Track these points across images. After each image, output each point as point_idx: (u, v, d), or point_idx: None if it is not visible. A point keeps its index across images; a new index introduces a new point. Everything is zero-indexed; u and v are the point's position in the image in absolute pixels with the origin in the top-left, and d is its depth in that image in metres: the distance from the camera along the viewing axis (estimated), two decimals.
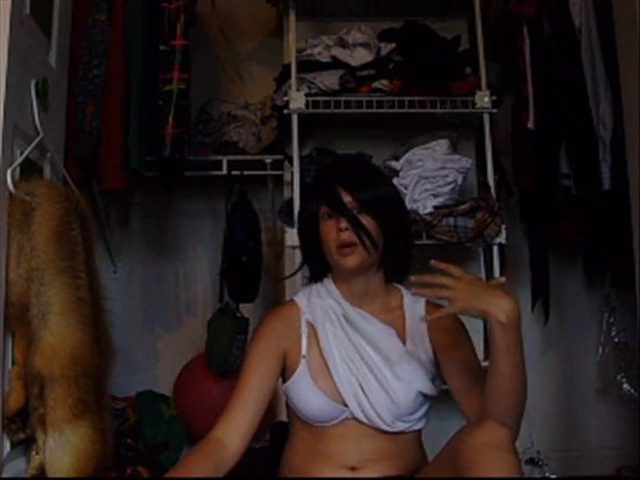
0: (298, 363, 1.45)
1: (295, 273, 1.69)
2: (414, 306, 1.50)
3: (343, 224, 1.42)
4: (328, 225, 1.45)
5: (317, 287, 1.54)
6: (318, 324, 1.48)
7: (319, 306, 1.49)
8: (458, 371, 1.40)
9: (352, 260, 1.42)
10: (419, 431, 1.48)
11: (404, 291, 1.53)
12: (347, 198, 1.43)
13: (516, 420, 1.28)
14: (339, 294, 1.49)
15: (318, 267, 1.54)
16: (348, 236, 1.42)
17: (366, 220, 1.42)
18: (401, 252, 1.51)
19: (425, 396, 1.43)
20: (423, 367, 1.44)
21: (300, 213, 1.57)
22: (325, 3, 2.52)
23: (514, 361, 1.25)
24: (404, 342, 1.46)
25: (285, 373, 1.48)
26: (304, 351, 1.46)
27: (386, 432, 1.42)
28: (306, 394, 1.43)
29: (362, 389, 1.41)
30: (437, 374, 1.46)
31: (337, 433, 1.43)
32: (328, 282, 1.52)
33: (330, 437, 1.43)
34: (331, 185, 1.46)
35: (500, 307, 1.23)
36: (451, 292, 1.26)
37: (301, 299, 1.53)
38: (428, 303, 1.51)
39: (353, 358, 1.43)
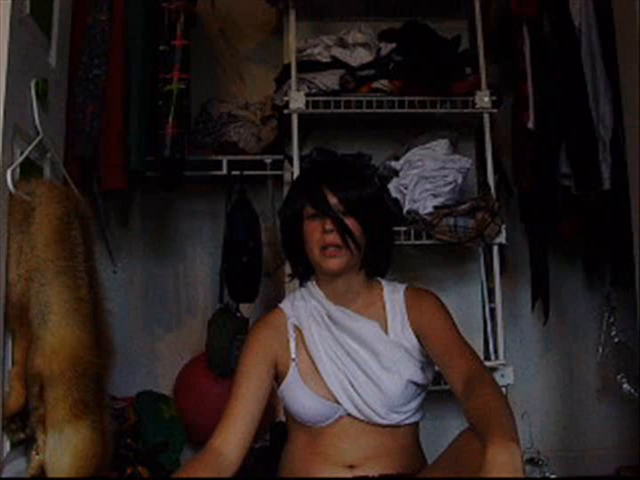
0: (289, 367, 1.48)
1: (277, 268, 1.70)
2: (393, 296, 1.52)
3: (329, 226, 1.43)
4: (312, 225, 1.46)
5: (301, 291, 1.57)
6: (304, 326, 1.50)
7: (303, 309, 1.52)
8: (441, 349, 1.41)
9: (335, 262, 1.44)
10: (416, 426, 1.49)
11: (383, 282, 1.56)
12: (333, 200, 1.45)
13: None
14: (322, 295, 1.51)
15: (300, 265, 1.56)
16: (333, 238, 1.43)
17: (351, 222, 1.44)
18: (383, 252, 1.54)
19: (417, 385, 1.44)
20: (409, 355, 1.45)
21: (283, 211, 1.58)
22: (325, 3, 2.52)
23: None
24: (387, 333, 1.47)
25: (278, 378, 1.50)
26: (293, 354, 1.49)
27: (382, 427, 1.43)
28: (299, 396, 1.45)
29: (351, 384, 1.43)
30: (427, 362, 1.47)
31: (334, 432, 1.44)
32: (311, 284, 1.55)
33: (327, 436, 1.44)
34: (317, 185, 1.47)
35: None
36: None
37: (286, 304, 1.56)
38: (408, 289, 1.54)
39: (339, 355, 1.46)
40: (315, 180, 1.50)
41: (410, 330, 1.48)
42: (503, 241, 2.22)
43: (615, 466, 2.60)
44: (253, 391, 1.44)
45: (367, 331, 1.47)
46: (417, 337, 1.47)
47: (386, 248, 1.55)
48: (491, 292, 2.34)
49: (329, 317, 1.49)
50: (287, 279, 1.68)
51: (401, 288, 1.54)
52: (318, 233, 1.44)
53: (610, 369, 2.70)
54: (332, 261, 1.44)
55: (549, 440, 2.69)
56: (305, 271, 1.57)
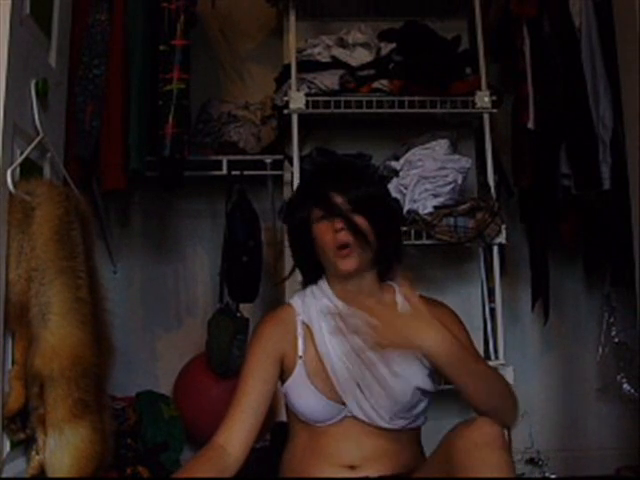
0: (295, 364, 1.46)
1: (289, 277, 1.69)
2: (406, 302, 1.50)
3: (339, 225, 1.43)
4: (323, 227, 1.45)
5: (312, 288, 1.55)
6: (313, 324, 1.49)
7: (314, 306, 1.51)
8: None
9: (350, 263, 1.43)
10: (418, 429, 1.49)
11: (397, 288, 1.54)
12: (339, 199, 1.44)
13: (508, 407, 1.31)
14: (333, 294, 1.50)
15: (311, 270, 1.55)
16: (344, 236, 1.43)
17: (359, 220, 1.44)
18: (393, 250, 1.53)
19: (423, 392, 1.44)
20: (419, 362, 1.44)
21: (290, 217, 1.57)
22: (325, 3, 2.52)
23: (468, 370, 1.28)
24: None
25: (283, 375, 1.49)
26: (300, 352, 1.47)
27: (385, 430, 1.42)
28: (304, 394, 1.44)
29: (359, 387, 1.42)
30: (434, 369, 1.47)
31: (337, 432, 1.43)
32: (322, 283, 1.53)
33: (329, 436, 1.44)
34: (322, 188, 1.47)
35: (429, 340, 1.26)
36: (373, 333, 1.26)
37: (296, 301, 1.55)
38: (421, 297, 1.51)
39: (349, 356, 1.44)
40: (319, 182, 1.50)
41: None
42: (503, 241, 2.22)
43: (615, 466, 2.60)
44: (259, 387, 1.43)
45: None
46: None
47: (395, 245, 1.54)
48: (491, 292, 2.34)
49: (340, 317, 1.47)
50: (299, 286, 1.66)
51: None
52: (329, 234, 1.44)
53: (610, 369, 2.71)
54: (347, 261, 1.43)
55: (549, 440, 2.69)
56: (315, 275, 1.55)
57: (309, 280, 1.57)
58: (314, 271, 1.54)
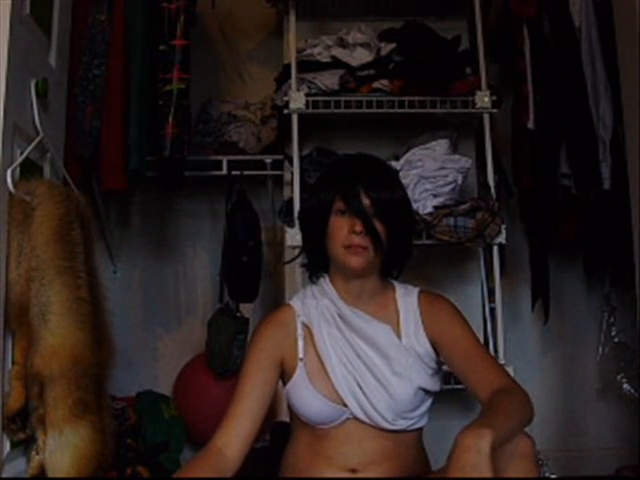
0: (296, 366, 1.45)
1: (295, 258, 1.68)
2: (407, 299, 1.49)
3: (358, 227, 1.39)
4: (340, 222, 1.42)
5: (311, 289, 1.53)
6: (313, 325, 1.47)
7: (314, 307, 1.49)
8: (460, 355, 1.39)
9: (359, 261, 1.41)
10: (420, 430, 1.48)
11: (396, 285, 1.53)
12: (366, 201, 1.41)
13: (531, 414, 1.29)
14: (335, 294, 1.48)
15: (317, 258, 1.52)
16: (360, 240, 1.40)
17: (379, 225, 1.40)
18: (403, 255, 1.51)
19: (426, 392, 1.43)
20: (421, 361, 1.43)
21: (308, 200, 1.54)
22: (325, 3, 2.52)
23: (511, 424, 1.21)
24: (400, 337, 1.45)
25: (284, 377, 1.48)
26: (301, 354, 1.46)
27: (387, 431, 1.41)
28: (305, 397, 1.43)
29: (360, 387, 1.41)
30: (437, 369, 1.46)
31: (339, 435, 1.42)
32: (324, 282, 1.50)
33: (332, 439, 1.43)
34: (352, 183, 1.43)
35: (484, 444, 1.10)
36: None
37: (295, 302, 1.52)
38: (421, 293, 1.51)
39: (349, 357, 1.43)
40: (350, 176, 1.46)
41: (424, 335, 1.45)
42: (503, 241, 2.22)
43: (615, 466, 2.60)
44: (258, 390, 1.42)
45: (379, 334, 1.44)
46: (432, 343, 1.45)
47: (406, 252, 1.52)
48: (491, 292, 2.34)
49: (341, 317, 1.46)
50: (299, 286, 1.65)
51: (414, 291, 1.51)
52: (344, 231, 1.41)
53: (610, 369, 2.70)
54: (356, 259, 1.41)
55: (549, 440, 2.68)
56: (321, 263, 1.52)
57: (313, 267, 1.54)
58: (320, 259, 1.51)
